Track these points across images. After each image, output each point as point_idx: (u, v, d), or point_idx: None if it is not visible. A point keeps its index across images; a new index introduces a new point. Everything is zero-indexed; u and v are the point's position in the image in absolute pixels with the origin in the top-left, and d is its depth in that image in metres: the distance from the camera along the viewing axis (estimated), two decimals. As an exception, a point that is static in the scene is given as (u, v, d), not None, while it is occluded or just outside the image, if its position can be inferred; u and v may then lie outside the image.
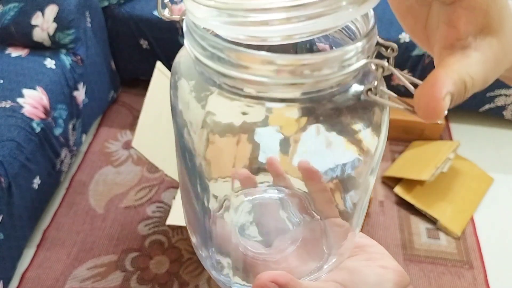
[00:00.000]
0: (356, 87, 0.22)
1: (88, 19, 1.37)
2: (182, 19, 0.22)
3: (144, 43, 1.51)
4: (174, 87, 0.24)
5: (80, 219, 1.27)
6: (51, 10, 1.24)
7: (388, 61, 0.21)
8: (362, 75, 0.22)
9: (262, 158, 0.27)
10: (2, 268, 1.05)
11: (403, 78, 0.21)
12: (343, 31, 0.24)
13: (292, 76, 0.19)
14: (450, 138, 1.52)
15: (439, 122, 1.42)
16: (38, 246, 1.20)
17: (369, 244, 0.29)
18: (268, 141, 0.25)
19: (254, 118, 0.22)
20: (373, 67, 0.20)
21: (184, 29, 0.22)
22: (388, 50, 0.21)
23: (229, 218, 0.29)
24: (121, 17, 1.48)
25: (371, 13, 0.22)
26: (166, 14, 0.24)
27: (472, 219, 1.28)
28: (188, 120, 0.24)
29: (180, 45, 1.47)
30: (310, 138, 0.23)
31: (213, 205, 0.27)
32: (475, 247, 1.21)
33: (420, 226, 1.26)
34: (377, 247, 0.29)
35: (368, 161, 0.24)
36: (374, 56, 0.21)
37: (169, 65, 1.55)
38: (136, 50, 1.54)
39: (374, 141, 0.24)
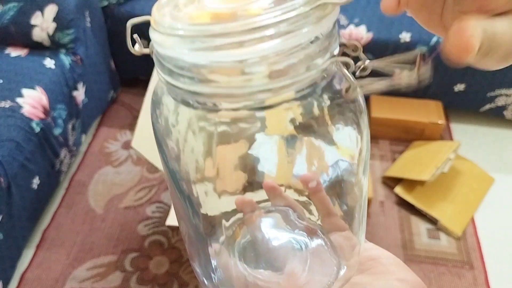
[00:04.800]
0: (328, 89, 0.22)
1: (88, 19, 1.37)
2: (152, 51, 0.23)
3: (144, 43, 1.51)
4: (156, 119, 0.24)
5: (80, 219, 1.26)
6: (51, 10, 1.24)
7: (356, 60, 0.21)
8: (333, 80, 0.22)
9: (261, 169, 0.27)
10: (2, 268, 1.05)
11: (374, 62, 0.21)
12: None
13: (261, 82, 0.19)
14: (451, 138, 1.51)
15: (439, 122, 1.42)
16: (38, 246, 1.20)
17: (383, 255, 0.28)
18: (264, 154, 0.25)
19: (245, 131, 0.22)
20: (340, 66, 0.21)
21: (154, 59, 0.22)
22: (352, 49, 0.22)
23: (232, 249, 0.29)
24: (120, 16, 1.47)
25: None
26: (136, 49, 0.25)
27: (472, 219, 1.27)
28: (177, 147, 0.24)
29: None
30: (297, 149, 0.23)
31: (212, 233, 0.27)
32: (476, 247, 1.21)
33: (420, 226, 1.26)
34: (391, 259, 0.28)
35: (355, 162, 0.24)
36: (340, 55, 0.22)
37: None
38: (136, 50, 1.53)
39: (358, 142, 0.24)
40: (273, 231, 0.31)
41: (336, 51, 0.21)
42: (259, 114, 0.21)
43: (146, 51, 0.24)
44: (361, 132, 0.24)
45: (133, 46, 0.25)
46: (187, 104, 0.22)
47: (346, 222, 0.28)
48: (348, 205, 0.27)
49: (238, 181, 0.27)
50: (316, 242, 0.29)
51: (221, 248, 0.29)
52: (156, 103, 0.24)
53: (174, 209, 0.29)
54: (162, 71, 0.21)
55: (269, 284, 0.27)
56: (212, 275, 0.28)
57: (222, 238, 0.29)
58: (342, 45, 0.22)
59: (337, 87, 0.22)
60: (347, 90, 0.21)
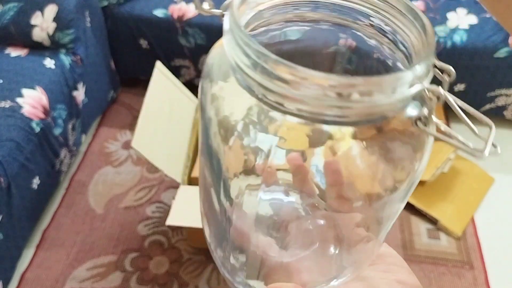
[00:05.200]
0: (404, 114, 0.19)
1: (88, 19, 1.37)
2: (223, 14, 0.21)
3: (144, 43, 1.51)
4: (204, 90, 0.23)
5: (80, 219, 1.26)
6: (51, 10, 1.24)
7: (442, 87, 0.18)
8: (412, 100, 0.19)
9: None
10: (2, 269, 1.05)
11: (458, 108, 0.19)
12: (393, 43, 0.22)
13: (339, 98, 0.17)
14: (451, 138, 1.52)
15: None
16: (38, 246, 1.20)
17: (388, 253, 0.28)
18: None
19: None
20: (426, 93, 0.18)
21: (226, 27, 0.20)
22: (443, 74, 0.19)
23: (248, 209, 0.28)
24: (120, 17, 1.47)
25: (430, 26, 0.19)
26: (205, 7, 0.22)
27: (472, 219, 1.27)
28: (216, 124, 0.22)
29: (180, 45, 1.44)
30: (351, 160, 0.22)
31: (232, 196, 0.27)
32: (476, 247, 1.21)
33: (420, 226, 1.26)
34: (395, 258, 0.28)
35: (403, 187, 0.23)
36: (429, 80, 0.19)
37: (168, 65, 1.55)
38: (135, 50, 1.54)
39: (412, 168, 0.22)
40: (286, 208, 0.31)
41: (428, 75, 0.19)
42: (326, 128, 0.19)
43: (216, 12, 0.22)
44: (421, 159, 0.21)
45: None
46: (250, 91, 0.19)
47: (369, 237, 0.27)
48: (376, 223, 0.26)
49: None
50: (327, 232, 0.29)
51: (236, 209, 0.28)
52: (209, 76, 0.22)
53: (200, 176, 0.27)
54: (234, 51, 0.19)
55: (275, 260, 0.27)
56: (226, 236, 0.28)
57: (241, 200, 0.28)
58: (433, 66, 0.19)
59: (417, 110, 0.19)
60: (419, 119, 0.18)
